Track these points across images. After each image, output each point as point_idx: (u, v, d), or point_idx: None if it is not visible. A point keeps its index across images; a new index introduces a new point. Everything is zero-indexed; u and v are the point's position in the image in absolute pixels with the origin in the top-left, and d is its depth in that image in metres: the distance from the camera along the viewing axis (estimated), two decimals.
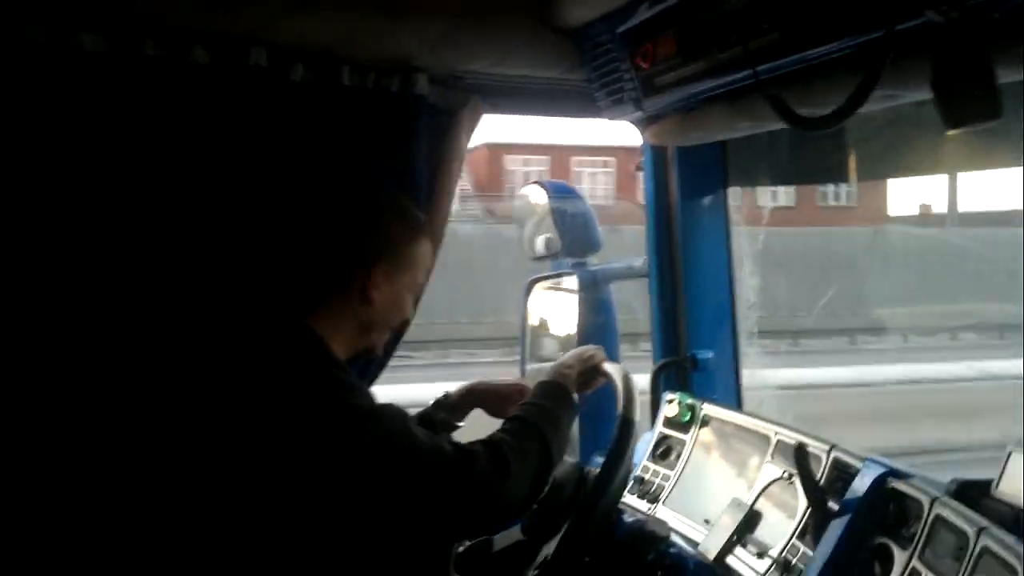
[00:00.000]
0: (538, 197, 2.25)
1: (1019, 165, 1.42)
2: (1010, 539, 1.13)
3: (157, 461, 1.36)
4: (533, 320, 2.48)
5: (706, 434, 1.88)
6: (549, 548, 1.47)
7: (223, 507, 1.28)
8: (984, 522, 1.18)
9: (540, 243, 2.30)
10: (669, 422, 1.98)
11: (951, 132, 1.11)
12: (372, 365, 1.81)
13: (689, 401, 1.94)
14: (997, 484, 1.34)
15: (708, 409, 1.90)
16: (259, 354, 1.33)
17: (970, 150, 1.46)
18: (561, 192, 2.24)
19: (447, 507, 1.31)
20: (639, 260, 2.20)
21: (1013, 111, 1.15)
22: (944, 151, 1.53)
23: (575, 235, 2.21)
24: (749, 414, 1.83)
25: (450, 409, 1.68)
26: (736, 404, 2.10)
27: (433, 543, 1.50)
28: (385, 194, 1.51)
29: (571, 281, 2.27)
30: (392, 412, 1.32)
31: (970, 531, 1.17)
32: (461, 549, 1.61)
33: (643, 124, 1.98)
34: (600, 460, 1.51)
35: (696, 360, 2.07)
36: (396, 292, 1.43)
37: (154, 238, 1.61)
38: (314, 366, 1.32)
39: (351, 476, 1.25)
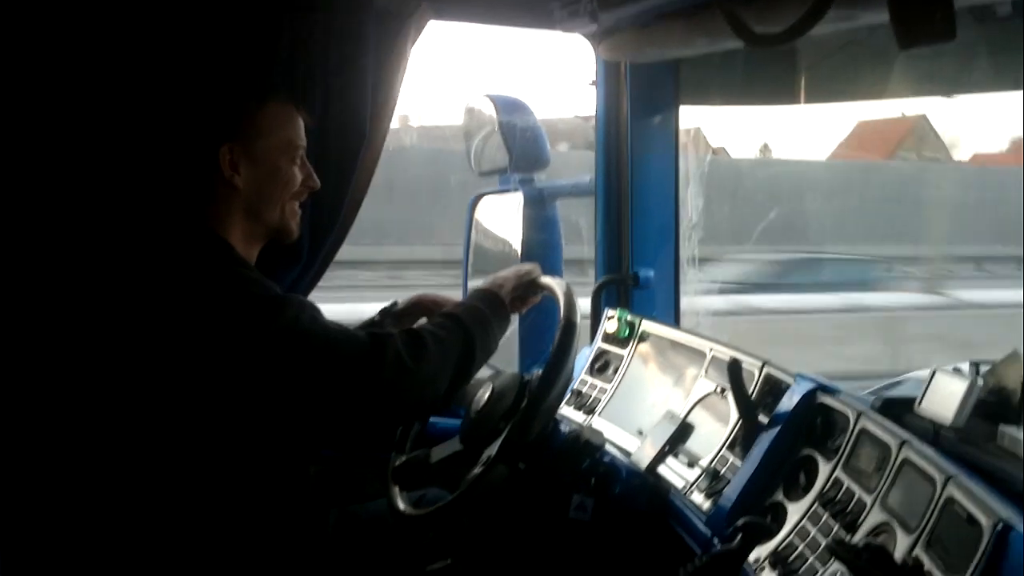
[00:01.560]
0: (487, 110, 2.21)
1: (967, 92, 1.44)
2: (930, 451, 1.18)
3: (62, 366, 1.31)
4: (477, 236, 2.46)
5: (644, 349, 1.92)
6: (491, 451, 1.49)
7: (131, 406, 1.25)
8: (906, 435, 1.23)
9: (487, 158, 2.28)
10: (608, 337, 2.01)
11: (904, 51, 1.11)
12: (305, 276, 1.78)
13: (629, 317, 1.96)
14: (920, 401, 1.39)
15: (647, 325, 1.93)
16: (161, 256, 1.29)
17: (918, 75, 1.47)
18: (510, 106, 2.19)
19: (357, 390, 1.29)
20: (587, 177, 2.19)
21: (966, 36, 1.16)
22: (893, 76, 1.54)
23: (523, 150, 2.18)
24: (686, 331, 1.86)
25: (396, 318, 1.67)
26: (674, 321, 2.14)
27: (346, 428, 1.48)
28: (210, 67, 1.43)
29: (517, 197, 2.25)
30: (298, 301, 1.30)
31: (892, 443, 1.22)
32: (399, 463, 1.62)
33: (597, 39, 1.95)
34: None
35: (638, 277, 2.09)
36: (263, 165, 1.36)
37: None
38: (214, 263, 1.29)
39: (258, 364, 1.23)
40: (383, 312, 1.69)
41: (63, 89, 1.53)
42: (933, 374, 1.39)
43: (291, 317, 1.25)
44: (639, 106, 2.05)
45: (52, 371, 1.30)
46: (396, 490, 1.60)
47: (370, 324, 1.65)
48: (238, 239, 1.36)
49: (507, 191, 2.29)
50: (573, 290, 1.56)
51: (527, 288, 1.59)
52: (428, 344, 1.33)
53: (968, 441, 1.28)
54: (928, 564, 1.03)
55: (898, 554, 1.07)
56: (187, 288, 1.25)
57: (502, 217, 2.35)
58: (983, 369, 1.37)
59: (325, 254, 1.80)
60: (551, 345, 1.51)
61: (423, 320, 1.69)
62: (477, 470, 1.46)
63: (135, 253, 1.31)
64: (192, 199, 1.35)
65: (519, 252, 2.23)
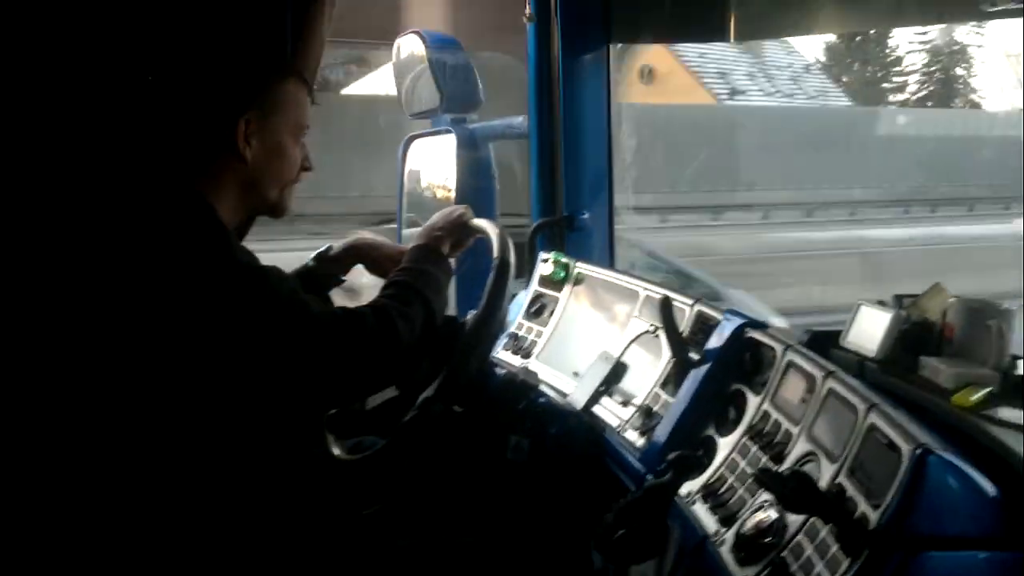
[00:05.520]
0: (415, 48, 2.15)
1: (897, 25, 1.44)
2: (854, 382, 1.20)
3: (42, 331, 1.25)
4: (409, 181, 2.42)
5: (579, 292, 1.91)
6: (427, 394, 1.48)
7: (109, 374, 1.20)
8: (831, 367, 1.25)
9: (418, 98, 2.23)
10: (544, 281, 2.00)
11: None
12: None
13: (564, 260, 1.96)
14: (846, 334, 1.42)
15: (582, 267, 1.93)
16: (142, 219, 1.24)
17: (847, 10, 1.47)
18: (440, 43, 2.14)
19: (334, 367, 1.28)
20: (519, 118, 2.16)
21: None
22: (821, 11, 1.54)
23: (454, 89, 2.13)
24: (620, 272, 1.86)
25: (332, 263, 1.63)
26: (610, 263, 2.14)
27: (318, 404, 1.47)
28: (233, 35, 1.39)
29: (449, 139, 2.21)
30: (278, 273, 1.28)
31: (818, 375, 1.24)
32: (337, 413, 1.60)
33: None
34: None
35: (572, 220, 2.08)
36: (272, 141, 1.33)
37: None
38: (197, 229, 1.24)
39: (237, 335, 1.20)
40: (318, 257, 1.65)
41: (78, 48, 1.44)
42: (859, 308, 1.42)
43: (271, 290, 1.23)
44: (570, 43, 2.02)
45: (34, 337, 1.24)
46: (331, 438, 1.59)
47: (305, 270, 1.61)
48: (226, 208, 1.31)
49: (439, 133, 2.25)
50: (505, 231, 1.54)
51: (460, 232, 1.56)
52: (397, 323, 1.32)
53: (891, 372, 1.32)
54: (851, 490, 1.05)
55: (822, 482, 1.09)
56: (171, 251, 1.20)
57: (435, 160, 2.31)
58: (906, 302, 1.40)
59: None
60: (484, 286, 1.50)
61: (359, 266, 1.66)
62: (412, 413, 1.45)
63: (119, 216, 1.25)
64: (188, 166, 1.30)
65: (453, 196, 2.20)
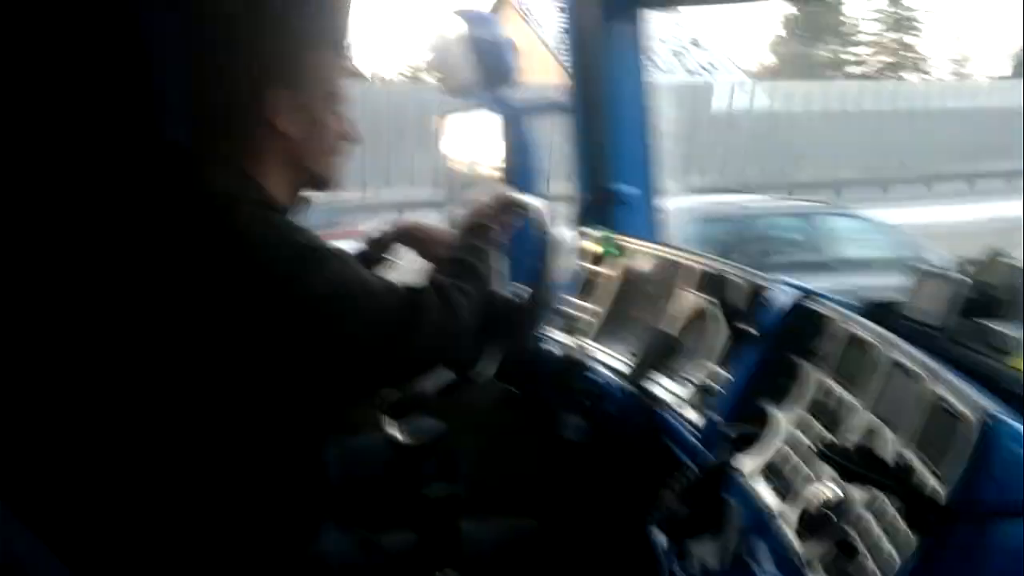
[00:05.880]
0: (454, 26, 2.13)
1: None
2: (916, 352, 1.17)
3: (96, 312, 1.27)
4: (454, 160, 2.42)
5: (629, 268, 1.89)
6: (486, 372, 1.48)
7: (174, 358, 1.21)
8: (892, 337, 1.22)
9: (457, 76, 2.21)
10: (593, 258, 1.98)
11: None
12: None
13: (612, 236, 1.94)
14: (908, 303, 1.38)
15: (631, 243, 1.90)
16: (198, 203, 1.23)
17: None
18: (478, 20, 2.12)
19: (402, 344, 1.26)
20: (558, 92, 2.14)
21: None
22: None
23: (492, 66, 2.12)
24: (670, 246, 1.84)
25: (382, 246, 1.64)
26: (658, 237, 2.11)
27: (384, 382, 1.47)
28: (253, 11, 1.38)
29: (489, 116, 2.20)
30: (339, 251, 1.26)
31: (879, 346, 1.21)
32: (396, 398, 1.61)
33: None
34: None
35: (619, 195, 2.06)
36: (310, 112, 1.32)
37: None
38: (252, 209, 1.23)
39: (301, 316, 1.20)
40: (371, 242, 1.66)
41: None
42: (919, 274, 1.38)
43: (334, 269, 1.22)
44: (609, 14, 1.98)
45: (81, 321, 1.25)
46: (388, 421, 1.61)
47: (361, 255, 1.62)
48: (275, 185, 1.31)
49: (476, 109, 2.24)
50: (549, 206, 1.53)
51: (506, 212, 1.55)
52: (455, 299, 1.32)
53: (955, 340, 1.28)
54: (918, 463, 1.03)
55: (887, 455, 1.07)
56: (227, 232, 1.20)
57: (476, 137, 2.30)
58: (970, 268, 1.36)
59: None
60: (534, 264, 1.49)
61: (410, 250, 1.66)
62: (473, 393, 1.46)
63: (170, 202, 1.25)
64: (232, 147, 1.30)
65: (492, 170, 2.20)
